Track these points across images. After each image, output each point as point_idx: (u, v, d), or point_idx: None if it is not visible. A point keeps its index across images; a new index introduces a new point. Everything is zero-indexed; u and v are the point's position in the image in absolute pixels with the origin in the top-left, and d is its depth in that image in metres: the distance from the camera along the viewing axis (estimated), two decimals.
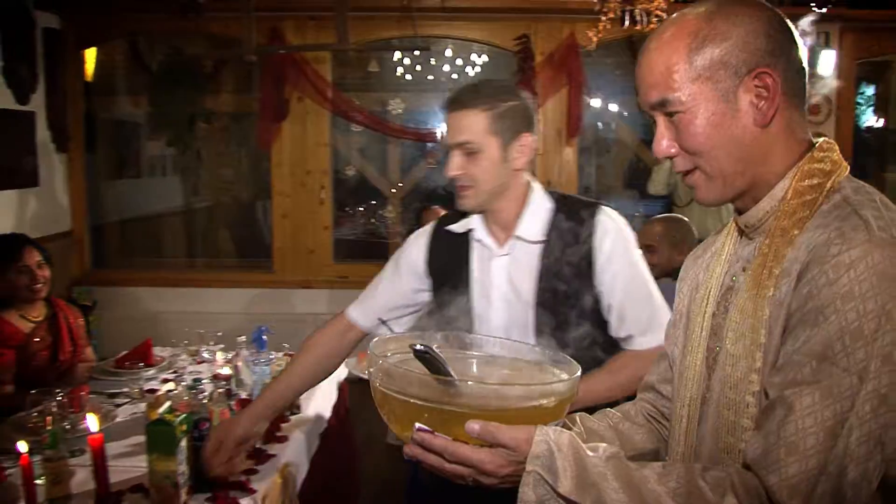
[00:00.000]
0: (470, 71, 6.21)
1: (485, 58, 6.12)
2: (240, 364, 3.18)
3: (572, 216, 2.13)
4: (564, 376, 1.33)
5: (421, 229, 2.38)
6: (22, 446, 2.12)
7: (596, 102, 6.39)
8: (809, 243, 1.13)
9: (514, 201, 2.12)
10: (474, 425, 1.15)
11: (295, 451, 2.73)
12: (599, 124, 7.26)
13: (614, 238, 2.11)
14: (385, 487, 4.38)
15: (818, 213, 1.17)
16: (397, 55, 6.18)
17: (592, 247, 2.10)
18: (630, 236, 2.16)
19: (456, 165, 2.05)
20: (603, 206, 2.17)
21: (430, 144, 6.23)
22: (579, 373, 1.30)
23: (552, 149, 5.67)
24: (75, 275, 5.75)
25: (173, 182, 6.84)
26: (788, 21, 1.22)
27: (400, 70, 6.29)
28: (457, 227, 2.22)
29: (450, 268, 2.23)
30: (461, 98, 2.04)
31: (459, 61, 6.21)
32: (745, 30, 1.18)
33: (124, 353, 3.56)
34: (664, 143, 1.26)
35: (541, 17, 5.53)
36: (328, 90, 5.54)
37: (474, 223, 2.18)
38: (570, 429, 1.44)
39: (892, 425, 1.04)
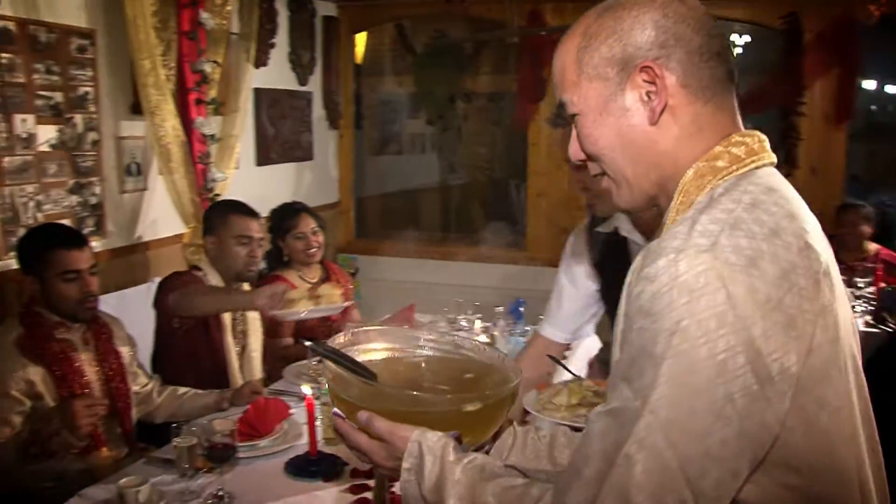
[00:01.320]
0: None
1: (747, 38, 5.87)
2: (496, 333, 3.32)
3: None
4: (506, 380, 1.31)
5: (575, 233, 2.40)
6: (306, 389, 2.36)
7: (870, 83, 5.92)
8: None
9: None
10: (362, 415, 1.20)
11: None
12: (873, 107, 6.73)
13: None
14: None
15: (679, 219, 1.06)
16: None
17: None
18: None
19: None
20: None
21: None
22: (512, 384, 1.27)
23: (818, 134, 5.29)
24: (340, 243, 6.17)
25: (431, 159, 7.10)
26: (694, 6, 1.11)
27: None
28: (603, 228, 2.22)
29: (612, 267, 2.19)
30: None
31: None
32: (631, 22, 1.09)
33: (388, 315, 3.80)
34: (573, 146, 1.19)
35: None
36: None
37: (618, 221, 2.16)
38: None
39: (696, 457, 0.91)
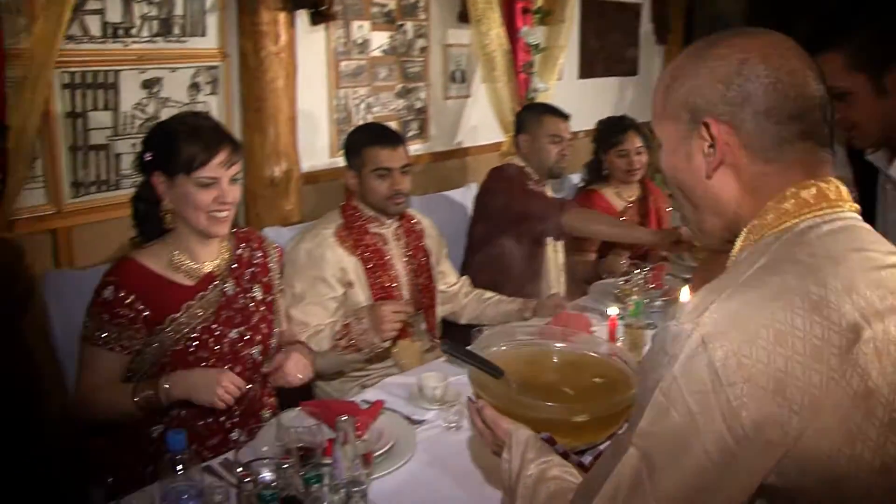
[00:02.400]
0: None
1: None
2: None
3: None
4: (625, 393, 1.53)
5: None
6: (612, 310, 2.28)
7: None
8: None
9: None
10: (479, 403, 1.47)
11: None
12: None
13: None
14: None
15: None
16: None
17: None
18: None
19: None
20: None
21: None
22: (627, 396, 1.48)
23: None
24: (657, 161, 5.96)
25: None
26: (776, 65, 1.05)
27: None
28: (871, 157, 2.10)
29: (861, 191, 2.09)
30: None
31: None
32: (707, 73, 1.09)
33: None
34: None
35: None
36: None
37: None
38: None
39: (675, 493, 0.96)
